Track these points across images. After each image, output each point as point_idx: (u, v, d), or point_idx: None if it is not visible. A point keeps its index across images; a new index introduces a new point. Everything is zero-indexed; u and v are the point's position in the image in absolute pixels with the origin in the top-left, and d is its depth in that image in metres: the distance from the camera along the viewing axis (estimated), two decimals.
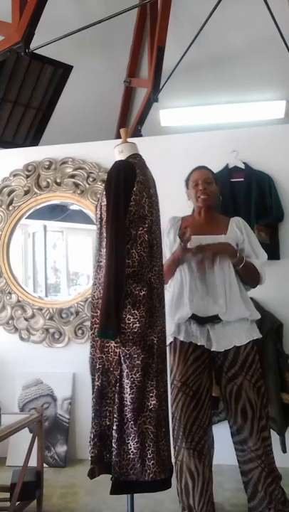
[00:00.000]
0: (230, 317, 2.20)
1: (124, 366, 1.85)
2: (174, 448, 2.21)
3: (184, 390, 2.19)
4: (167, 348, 2.22)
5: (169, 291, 2.35)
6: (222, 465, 2.75)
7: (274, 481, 2.19)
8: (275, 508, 2.16)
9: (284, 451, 2.87)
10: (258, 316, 2.31)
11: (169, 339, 2.28)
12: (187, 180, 2.43)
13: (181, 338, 2.25)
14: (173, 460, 2.09)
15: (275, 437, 2.88)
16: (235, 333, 2.21)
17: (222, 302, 2.21)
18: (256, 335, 2.27)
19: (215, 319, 2.21)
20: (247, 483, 2.22)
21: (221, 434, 2.39)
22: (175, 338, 2.27)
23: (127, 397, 1.84)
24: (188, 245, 2.22)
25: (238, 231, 2.33)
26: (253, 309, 2.30)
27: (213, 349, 2.21)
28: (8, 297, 3.53)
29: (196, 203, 2.40)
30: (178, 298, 2.29)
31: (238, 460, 2.25)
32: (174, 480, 2.05)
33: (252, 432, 2.16)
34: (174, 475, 2.15)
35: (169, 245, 2.36)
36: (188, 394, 2.19)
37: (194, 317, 2.23)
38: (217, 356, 2.24)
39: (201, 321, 2.23)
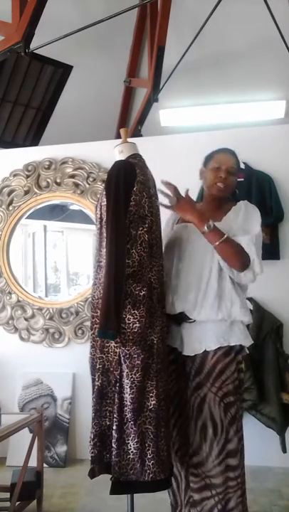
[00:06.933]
0: (197, 316, 1.91)
1: (124, 366, 1.85)
2: None
3: None
4: None
5: None
6: None
7: None
8: None
9: (284, 451, 2.87)
10: (241, 317, 1.91)
11: None
12: (208, 159, 2.07)
13: None
14: None
15: (275, 437, 2.89)
16: (207, 336, 1.90)
17: (191, 298, 1.92)
18: (234, 341, 1.89)
19: (187, 318, 1.94)
20: None
21: None
22: None
23: (127, 397, 1.84)
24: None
25: (235, 214, 1.98)
26: (230, 310, 1.90)
27: (183, 352, 1.96)
28: (8, 297, 3.53)
29: (210, 188, 2.03)
30: None
31: (191, 488, 1.92)
32: None
33: (210, 453, 1.85)
34: None
35: (166, 234, 2.12)
36: None
37: (169, 315, 1.97)
38: (186, 361, 1.97)
39: (175, 319, 1.98)
